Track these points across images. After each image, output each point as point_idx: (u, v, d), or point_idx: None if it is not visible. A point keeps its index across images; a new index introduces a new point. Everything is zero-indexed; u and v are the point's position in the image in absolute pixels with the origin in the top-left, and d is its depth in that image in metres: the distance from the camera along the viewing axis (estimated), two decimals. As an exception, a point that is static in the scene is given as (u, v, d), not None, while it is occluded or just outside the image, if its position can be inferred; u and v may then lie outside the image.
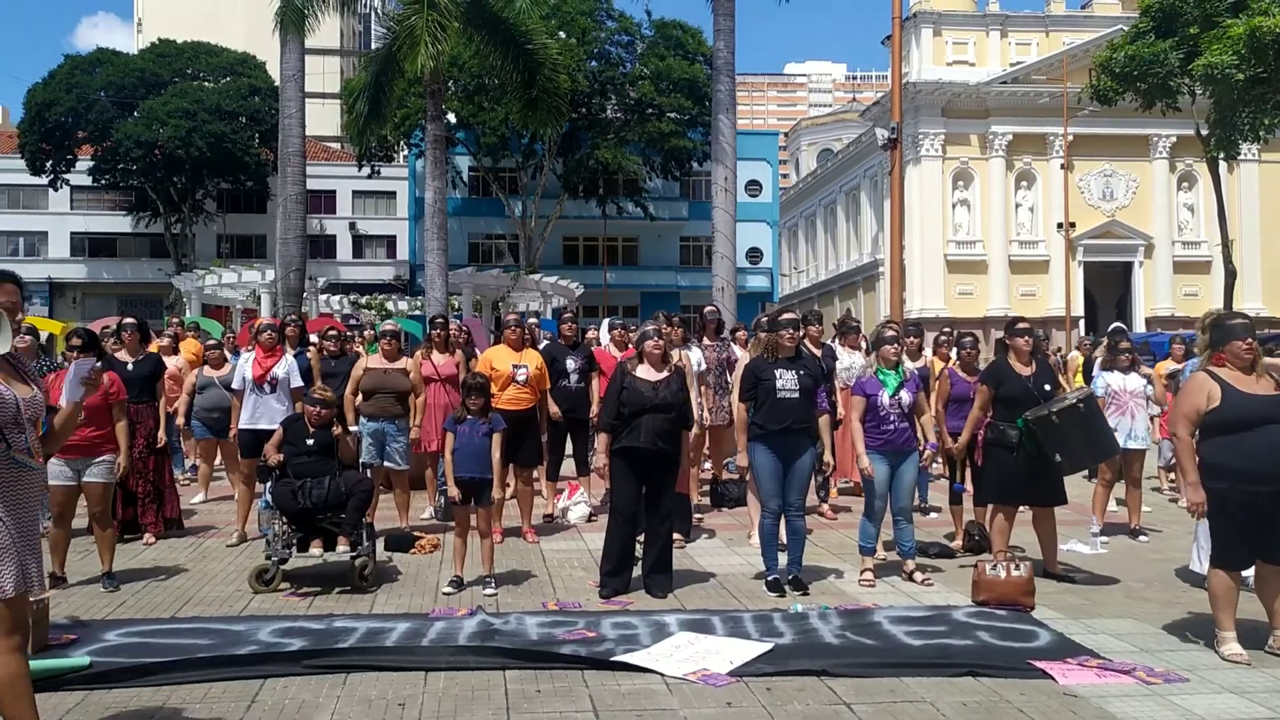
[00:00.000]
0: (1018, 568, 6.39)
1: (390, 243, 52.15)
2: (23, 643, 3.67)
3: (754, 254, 49.08)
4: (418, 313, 28.04)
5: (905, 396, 6.91)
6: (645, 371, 6.78)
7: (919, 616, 6.09)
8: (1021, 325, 7.32)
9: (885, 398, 6.85)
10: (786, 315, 7.11)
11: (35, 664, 4.92)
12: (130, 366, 8.29)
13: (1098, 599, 6.67)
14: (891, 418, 6.84)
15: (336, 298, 34.04)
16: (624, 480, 6.73)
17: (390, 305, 33.77)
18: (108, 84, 43.79)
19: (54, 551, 6.62)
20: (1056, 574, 7.18)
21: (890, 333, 7.18)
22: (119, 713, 4.51)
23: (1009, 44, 45.03)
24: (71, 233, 50.78)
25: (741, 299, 23.14)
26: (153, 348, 9.78)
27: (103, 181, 45.84)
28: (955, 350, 8.58)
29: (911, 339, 9.62)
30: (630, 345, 8.68)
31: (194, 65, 45.37)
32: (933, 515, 9.50)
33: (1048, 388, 7.18)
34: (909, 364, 8.16)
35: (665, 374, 6.78)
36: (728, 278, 19.87)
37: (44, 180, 45.49)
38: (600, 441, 6.90)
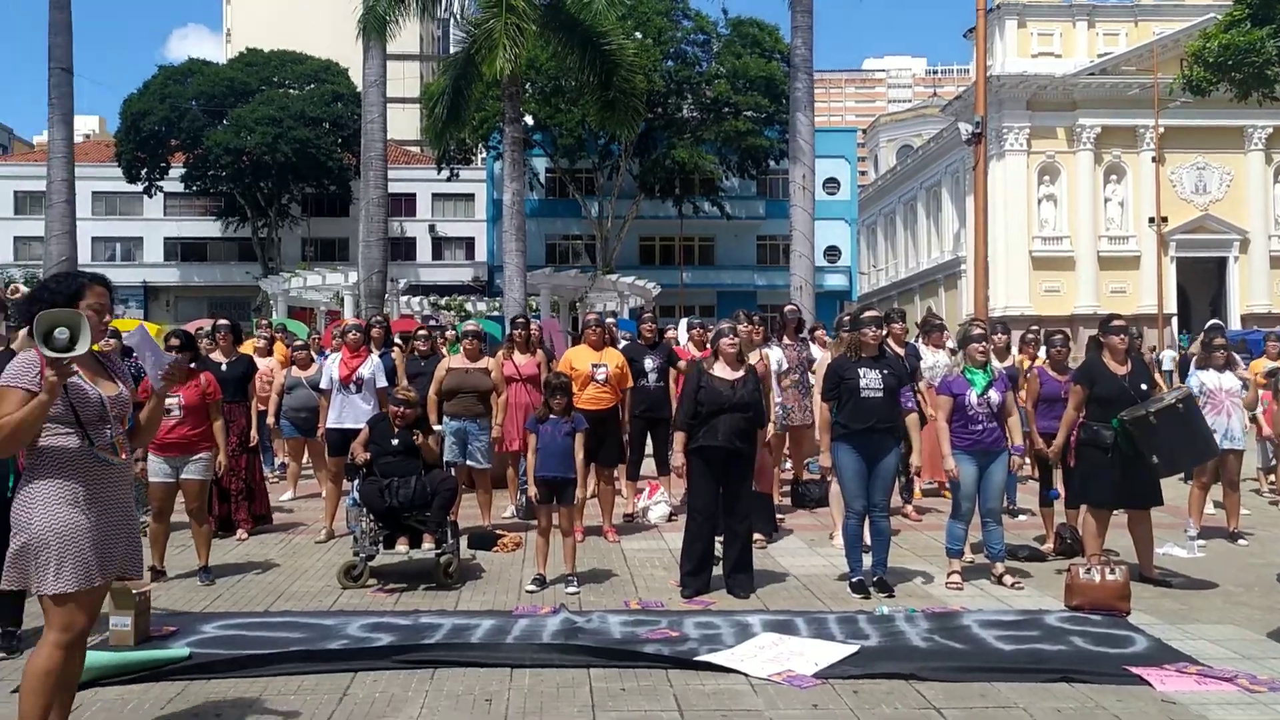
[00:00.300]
0: (1113, 571, 6.22)
1: (469, 244, 52.80)
2: (74, 641, 3.66)
3: (832, 252, 48.60)
4: (496, 313, 28.33)
5: (994, 396, 6.76)
6: (721, 370, 6.75)
7: (1010, 621, 5.96)
8: (1117, 323, 7.12)
9: (973, 397, 6.72)
10: (869, 314, 7.02)
11: (137, 654, 5.10)
12: (224, 367, 8.53)
13: (1196, 604, 6.45)
14: (980, 417, 6.70)
15: (416, 299, 34.55)
16: (701, 480, 6.71)
17: (469, 306, 34.16)
18: (198, 93, 45.07)
19: (153, 546, 6.83)
20: (1153, 578, 6.97)
21: (978, 331, 7.04)
22: (218, 701, 4.63)
23: (1096, 34, 43.88)
24: (165, 238, 52.36)
25: (820, 298, 22.97)
26: (245, 349, 10.04)
27: (194, 188, 47.22)
28: (1045, 349, 8.37)
29: (999, 337, 9.43)
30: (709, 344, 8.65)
31: (280, 73, 46.46)
32: (1022, 517, 9.30)
33: (1144, 387, 6.99)
34: (997, 363, 7.99)
35: (741, 373, 6.74)
36: (806, 277, 19.72)
37: (139, 188, 46.97)
38: (677, 440, 6.88)
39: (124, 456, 3.78)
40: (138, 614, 5.41)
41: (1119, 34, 43.73)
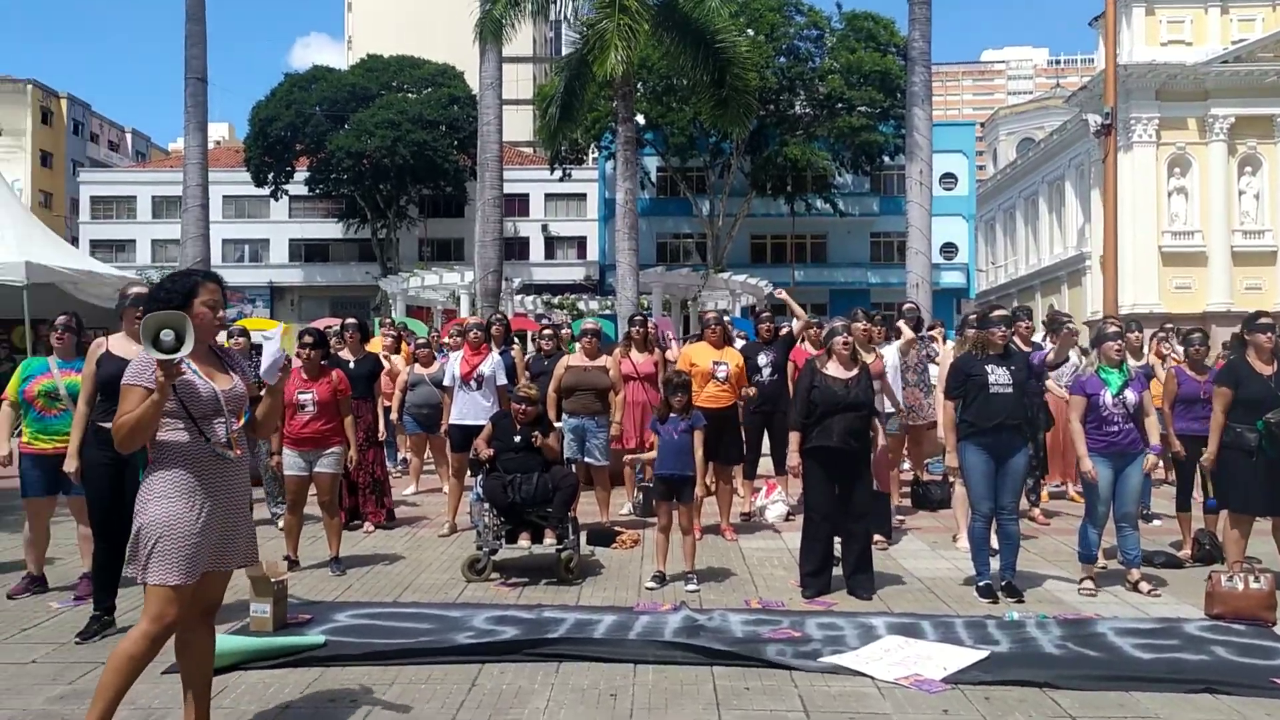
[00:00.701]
0: (1257, 580, 5.94)
1: (580, 244, 53.34)
2: (162, 633, 3.69)
3: (949, 249, 47.58)
4: (608, 312, 28.52)
5: (1130, 396, 6.52)
6: (835, 369, 6.67)
7: (1148, 629, 5.74)
8: (1264, 320, 6.78)
9: (1108, 397, 6.49)
10: (998, 313, 6.86)
11: (276, 640, 5.29)
12: (352, 365, 8.77)
13: (1348, 616, 6.11)
14: (1115, 418, 6.47)
15: (530, 298, 35.03)
16: (817, 480, 6.65)
17: (581, 305, 34.48)
18: (322, 99, 46.55)
19: (288, 537, 7.07)
20: (1299, 588, 6.63)
21: (1113, 329, 6.80)
22: (353, 688, 4.76)
23: (1230, 20, 41.84)
24: (289, 239, 54.29)
25: (936, 295, 22.51)
26: (373, 347, 10.32)
27: (317, 191, 48.81)
28: (1183, 347, 8.03)
29: (1133, 335, 9.09)
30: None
31: (399, 78, 47.66)
32: (1157, 522, 8.95)
33: (1291, 387, 6.64)
34: (1133, 362, 7.71)
35: (855, 372, 6.65)
36: (923, 274, 19.36)
37: (266, 191, 48.77)
38: (792, 440, 6.82)
39: (239, 451, 3.85)
40: (276, 601, 5.61)
41: (1255, 19, 41.62)
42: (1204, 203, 41.65)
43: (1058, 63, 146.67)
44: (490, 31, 20.60)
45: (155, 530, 3.64)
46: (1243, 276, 41.30)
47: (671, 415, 6.78)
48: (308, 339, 7.08)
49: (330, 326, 10.85)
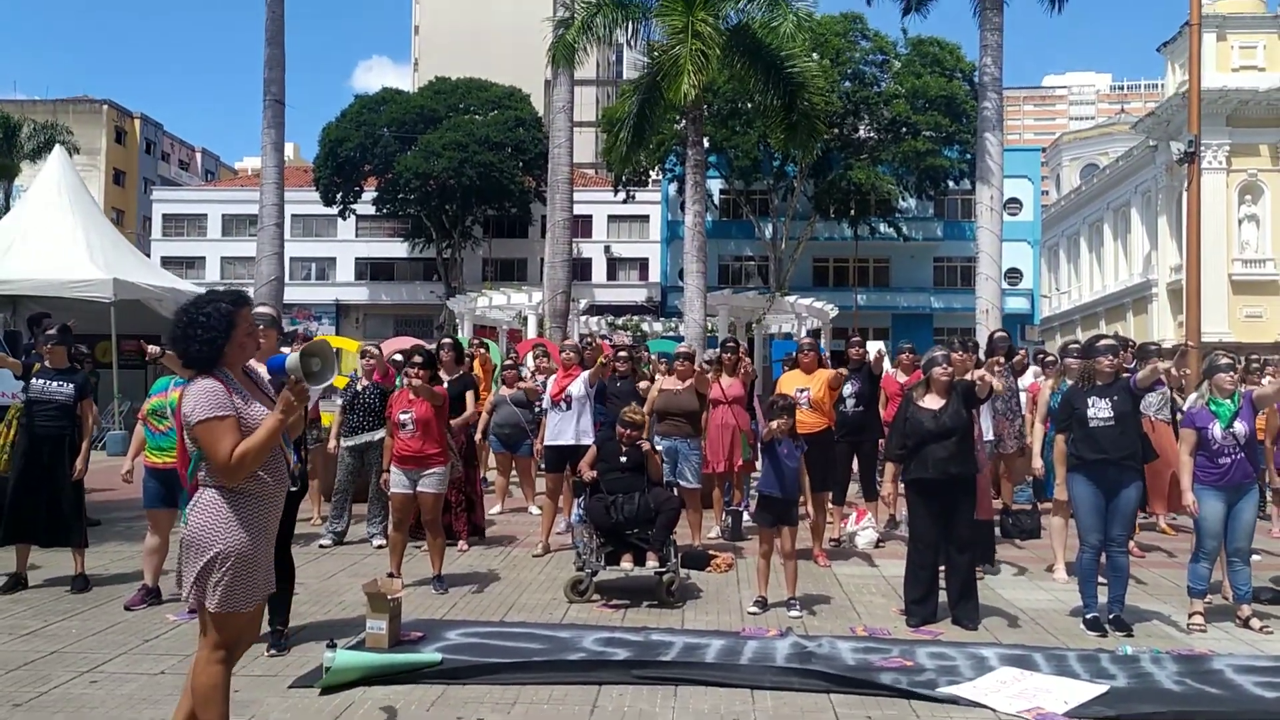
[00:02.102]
0: (1376, 619, 5.82)
1: (642, 265, 53.53)
2: (231, 657, 3.73)
3: (1013, 275, 47.02)
4: (672, 333, 28.58)
5: (1240, 428, 6.44)
6: (929, 400, 6.68)
7: (1266, 666, 5.65)
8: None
9: (1218, 430, 6.41)
10: (1104, 341, 6.80)
11: (395, 657, 5.39)
12: (446, 384, 8.90)
13: None
14: (1226, 450, 6.38)
15: (595, 319, 35.19)
16: (920, 508, 6.68)
17: (645, 326, 34.57)
18: (390, 120, 47.26)
19: (393, 553, 7.19)
20: None
21: (1225, 360, 6.71)
22: (478, 705, 4.84)
23: (1304, 46, 41.18)
24: (356, 258, 55.11)
25: (1002, 321, 22.25)
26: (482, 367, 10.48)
27: (384, 210, 49.48)
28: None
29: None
30: (918, 369, 8.51)
31: (466, 100, 48.25)
32: (1258, 557, 8.76)
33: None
34: (1242, 389, 7.60)
35: (945, 401, 6.64)
36: (992, 300, 19.21)
37: (334, 210, 49.57)
38: (888, 470, 6.87)
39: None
40: (391, 618, 5.71)
41: (1331, 44, 40.92)
42: (1275, 230, 40.89)
43: (1121, 88, 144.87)
44: (563, 56, 20.84)
45: (230, 557, 3.60)
46: (1318, 306, 40.42)
47: (783, 438, 6.81)
48: (418, 359, 7.21)
49: (401, 350, 11.00)
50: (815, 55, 34.52)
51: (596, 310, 39.13)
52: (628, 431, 7.23)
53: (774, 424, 6.84)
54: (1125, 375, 8.20)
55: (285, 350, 4.20)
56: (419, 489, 7.14)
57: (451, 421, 8.80)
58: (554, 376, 8.99)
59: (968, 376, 8.30)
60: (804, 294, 36.42)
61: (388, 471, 7.17)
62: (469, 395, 8.72)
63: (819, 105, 21.83)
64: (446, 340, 9.41)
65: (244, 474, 3.62)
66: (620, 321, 35.61)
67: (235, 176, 69.37)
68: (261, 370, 4.14)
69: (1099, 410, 6.47)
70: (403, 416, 7.17)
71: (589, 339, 11.65)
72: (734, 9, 20.62)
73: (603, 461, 7.24)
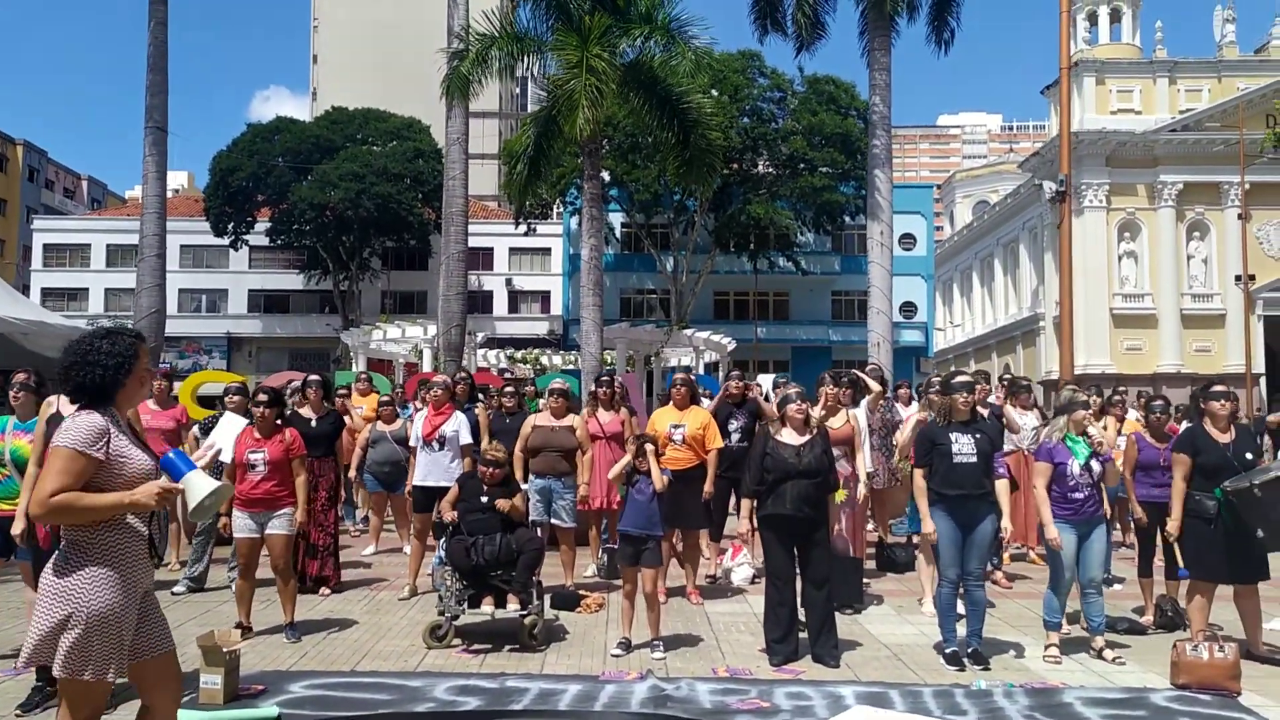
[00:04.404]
0: (1221, 649, 5.96)
1: (545, 298, 53.40)
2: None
3: (908, 308, 48.16)
4: (571, 367, 28.44)
5: (1095, 465, 6.58)
6: (788, 436, 6.66)
7: (1114, 699, 5.73)
8: (1218, 388, 6.88)
9: (1075, 466, 6.53)
10: (961, 379, 6.88)
11: (228, 714, 5.12)
12: (313, 423, 8.63)
13: (1311, 685, 6.15)
14: (1081, 487, 6.51)
15: (494, 352, 34.86)
16: (775, 546, 6.63)
17: (545, 359, 34.37)
18: (285, 150, 46.41)
19: (240, 602, 6.88)
20: (1261, 655, 6.67)
21: (1083, 397, 6.86)
22: (308, 765, 4.62)
23: (1178, 90, 43.16)
24: (249, 290, 53.79)
25: (896, 354, 22.66)
26: (370, 404, 10.18)
27: (278, 241, 48.45)
28: (1144, 413, 8.12)
29: (1094, 400, 9.20)
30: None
31: (364, 130, 47.68)
32: (1117, 587, 8.98)
33: (1249, 456, 6.72)
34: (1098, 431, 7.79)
35: (808, 437, 6.64)
36: (884, 333, 19.55)
37: (225, 241, 48.34)
38: (743, 506, 6.83)
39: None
40: (227, 672, 5.45)
41: (1201, 90, 42.95)
42: (1154, 267, 42.62)
43: (1011, 129, 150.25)
44: (457, 88, 20.68)
45: (86, 620, 3.32)
46: (1192, 339, 42.17)
47: (641, 475, 6.72)
48: (262, 397, 6.96)
49: (292, 381, 10.68)
50: (714, 92, 35.03)
51: (495, 343, 38.82)
52: (490, 470, 7.06)
53: (622, 462, 6.78)
54: (984, 411, 8.39)
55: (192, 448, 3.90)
56: (268, 532, 6.85)
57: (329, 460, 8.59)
58: (424, 413, 8.77)
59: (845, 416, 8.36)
60: (704, 326, 36.68)
61: (228, 516, 6.85)
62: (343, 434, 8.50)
63: (715, 140, 22.03)
64: (315, 378, 9.13)
65: (53, 521, 3.42)
66: (520, 355, 35.35)
67: (124, 205, 67.17)
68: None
69: (963, 446, 6.53)
70: (252, 457, 6.88)
71: (463, 375, 11.40)
72: (629, 45, 20.75)
73: (464, 501, 7.06)
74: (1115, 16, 45.35)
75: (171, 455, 3.59)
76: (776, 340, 47.56)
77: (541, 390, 11.71)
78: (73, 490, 3.33)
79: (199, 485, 3.50)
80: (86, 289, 53.52)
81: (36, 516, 3.42)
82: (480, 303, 49.41)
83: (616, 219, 45.47)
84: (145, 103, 20.20)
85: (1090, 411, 6.89)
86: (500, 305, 52.89)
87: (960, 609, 6.63)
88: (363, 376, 14.28)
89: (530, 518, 8.08)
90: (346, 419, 10.43)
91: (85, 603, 3.34)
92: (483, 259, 50.53)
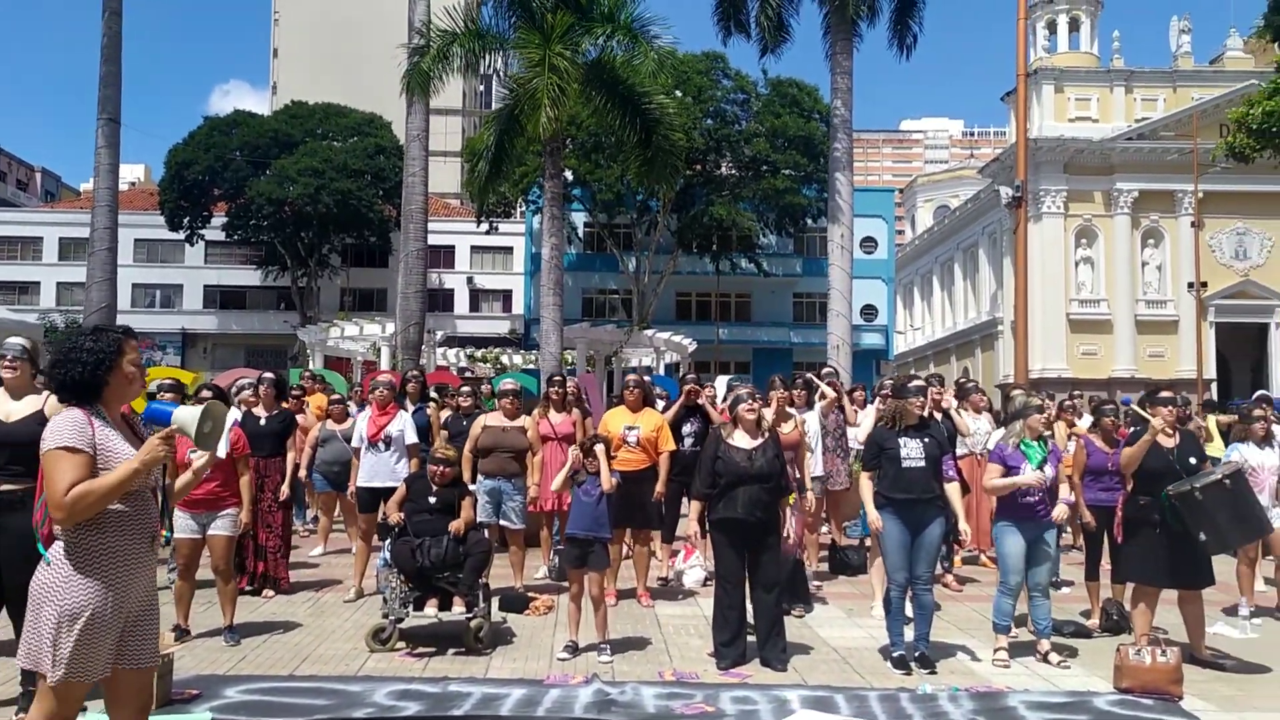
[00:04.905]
0: (1164, 653, 5.99)
1: (506, 297, 53.18)
2: None
3: (869, 311, 48.39)
4: (532, 366, 28.31)
5: (1049, 471, 6.60)
6: (739, 439, 6.62)
7: (1058, 703, 5.74)
8: (1164, 394, 6.94)
9: (1029, 471, 6.54)
10: (915, 383, 6.88)
11: (160, 719, 4.98)
12: (263, 422, 8.48)
13: (1251, 688, 6.21)
14: (1033, 491, 6.53)
15: (453, 351, 34.65)
16: (726, 549, 6.60)
17: (505, 359, 34.22)
18: (243, 144, 45.82)
19: (178, 604, 6.73)
20: (1204, 660, 6.72)
21: (1037, 401, 6.88)
22: (239, 773, 4.51)
23: (1134, 100, 43.81)
24: (204, 285, 53.08)
25: (856, 357, 22.77)
26: (318, 402, 10.00)
27: (235, 237, 47.83)
28: (1094, 417, 8.18)
29: (1048, 404, 9.23)
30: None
31: (324, 126, 47.18)
32: (1065, 590, 9.04)
33: (1193, 461, 6.79)
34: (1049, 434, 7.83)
35: (760, 441, 6.61)
36: (844, 336, 19.62)
37: (181, 236, 47.64)
38: (693, 509, 6.79)
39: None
40: (160, 676, 5.29)
41: (1157, 99, 43.62)
42: (1109, 273, 43.20)
43: (971, 134, 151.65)
44: (418, 84, 20.49)
45: (57, 617, 3.28)
46: (1146, 344, 42.80)
47: (589, 476, 6.66)
48: (206, 394, 6.82)
49: (239, 379, 10.49)
50: (678, 92, 35.02)
51: (455, 342, 38.58)
52: (440, 469, 6.96)
53: (563, 472, 6.73)
54: (935, 417, 8.40)
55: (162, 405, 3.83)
56: (210, 533, 6.72)
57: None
58: (369, 413, 8.64)
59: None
60: (666, 327, 36.68)
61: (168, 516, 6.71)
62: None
63: (677, 141, 21.98)
64: (268, 375, 8.97)
65: (81, 516, 3.32)
66: (480, 354, 35.16)
67: (78, 198, 66.04)
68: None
69: (911, 451, 6.52)
70: (194, 456, 6.72)
71: (415, 373, 11.27)
72: (592, 44, 20.66)
73: (411, 502, 6.95)
74: (1074, 25, 45.93)
75: (152, 405, 3.65)
76: (738, 341, 47.67)
77: (496, 391, 11.62)
78: (82, 480, 3.31)
79: (189, 417, 3.52)
80: (38, 283, 52.62)
81: (61, 520, 3.36)
82: (441, 301, 49.11)
83: (579, 218, 45.36)
84: (99, 94, 19.87)
85: (1045, 416, 6.91)
86: (461, 304, 52.61)
87: (909, 612, 6.62)
88: (306, 375, 14.09)
89: (479, 519, 7.99)
90: (300, 418, 10.29)
91: (58, 600, 3.31)
92: (444, 257, 50.20)
